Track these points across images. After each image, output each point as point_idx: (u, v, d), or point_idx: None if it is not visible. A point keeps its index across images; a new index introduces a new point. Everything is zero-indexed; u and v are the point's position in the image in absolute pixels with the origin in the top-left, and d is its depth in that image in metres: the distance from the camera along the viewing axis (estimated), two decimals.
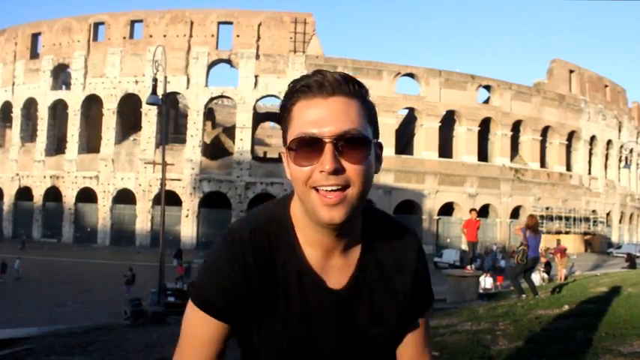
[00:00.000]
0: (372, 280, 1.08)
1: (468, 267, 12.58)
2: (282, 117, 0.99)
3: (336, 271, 1.05)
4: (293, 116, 0.96)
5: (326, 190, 0.92)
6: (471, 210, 13.26)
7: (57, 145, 41.28)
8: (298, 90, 0.96)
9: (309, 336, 1.04)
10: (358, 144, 0.93)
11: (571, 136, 47.25)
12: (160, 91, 16.08)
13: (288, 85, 0.99)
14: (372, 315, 1.07)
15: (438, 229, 40.62)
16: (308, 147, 0.92)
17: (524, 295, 9.30)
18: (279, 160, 24.71)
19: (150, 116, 38.07)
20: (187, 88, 38.41)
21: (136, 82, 38.68)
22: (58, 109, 41.33)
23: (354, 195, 0.94)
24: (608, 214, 49.35)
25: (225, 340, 1.03)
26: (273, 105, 49.47)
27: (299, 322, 1.03)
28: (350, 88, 0.96)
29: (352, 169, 0.92)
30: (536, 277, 17.38)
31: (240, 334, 1.06)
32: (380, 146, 1.01)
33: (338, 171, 0.91)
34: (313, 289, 1.03)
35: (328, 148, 0.91)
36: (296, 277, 1.03)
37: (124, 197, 38.38)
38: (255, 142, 41.16)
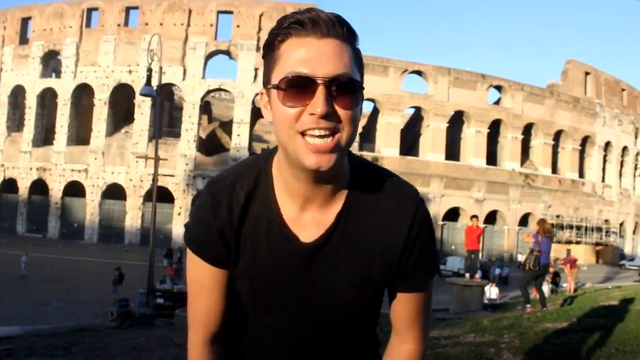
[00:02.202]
0: (350, 239, 1.05)
1: (467, 275, 12.65)
2: (267, 54, 0.98)
3: (314, 224, 1.05)
4: (281, 53, 0.94)
5: (314, 136, 0.92)
6: (472, 217, 13.29)
7: (45, 136, 41.27)
8: (289, 26, 0.94)
9: (270, 284, 1.07)
10: (351, 89, 0.93)
11: (585, 141, 47.26)
12: (154, 82, 16.05)
13: (277, 21, 0.97)
14: (347, 276, 1.05)
15: (442, 235, 40.62)
16: (298, 87, 0.91)
17: (528, 306, 9.31)
18: None
19: (143, 108, 38.06)
20: (183, 79, 38.41)
21: (130, 71, 38.67)
22: (47, 98, 41.33)
23: (343, 141, 0.94)
24: (621, 225, 49.35)
25: (225, 285, 1.11)
26: None
27: (262, 269, 1.06)
28: (343, 30, 0.95)
29: (343, 114, 0.93)
30: (545, 288, 17.41)
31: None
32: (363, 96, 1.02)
33: (329, 115, 0.91)
34: (278, 239, 1.05)
35: (321, 90, 0.90)
36: (266, 226, 1.05)
37: (114, 192, 38.37)
38: (253, 138, 41.16)
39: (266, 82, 0.98)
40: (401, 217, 1.05)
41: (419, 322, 1.14)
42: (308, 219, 1.05)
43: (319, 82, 0.90)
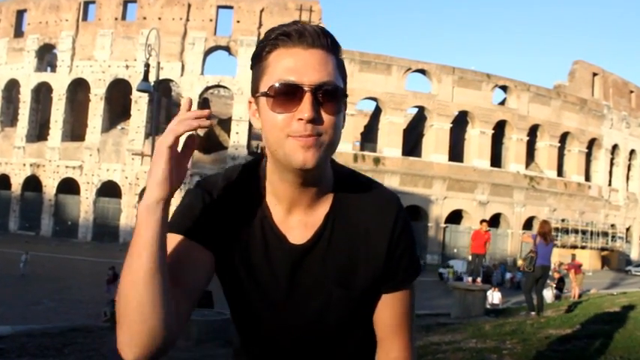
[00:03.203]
0: (338, 240, 1.12)
1: (469, 279, 12.71)
2: (255, 64, 1.06)
3: (301, 226, 1.12)
4: (269, 63, 1.02)
5: (301, 135, 0.99)
6: (482, 221, 13.33)
7: (39, 131, 41.27)
8: (276, 38, 1.02)
9: (265, 282, 1.12)
10: (335, 96, 1.01)
11: (591, 143, 47.27)
12: (152, 78, 16.06)
13: (265, 33, 1.05)
14: (336, 276, 1.12)
15: (444, 237, 40.64)
16: (286, 95, 0.99)
17: (533, 313, 9.32)
18: None
19: (140, 104, 38.08)
20: (182, 75, 38.43)
21: (127, 66, 38.67)
22: (42, 93, 41.32)
23: (326, 142, 1.01)
24: (628, 230, 49.35)
25: (210, 270, 1.10)
26: None
27: (255, 271, 1.11)
28: (328, 41, 1.03)
29: (327, 120, 1.00)
30: (549, 293, 17.43)
31: (219, 275, 1.15)
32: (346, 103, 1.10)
33: (315, 120, 0.99)
34: (273, 239, 1.11)
35: (307, 97, 0.98)
36: (260, 225, 1.12)
37: (109, 190, 38.38)
38: (251, 136, 41.15)
39: (254, 91, 1.06)
40: (384, 219, 1.14)
41: (404, 328, 1.19)
42: (295, 221, 1.12)
43: (306, 89, 0.98)
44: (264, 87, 1.02)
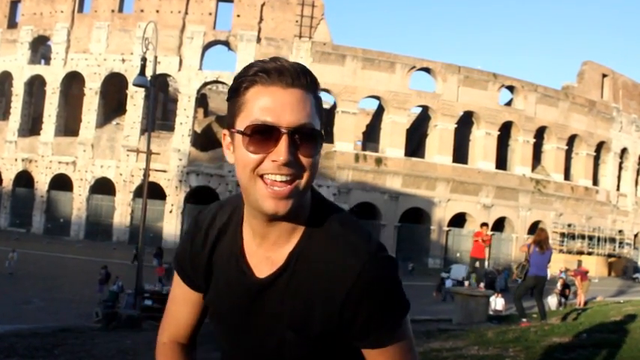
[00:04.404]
0: (298, 282, 1.10)
1: (467, 283, 12.78)
2: (232, 97, 1.07)
3: (266, 261, 1.14)
4: (247, 100, 1.04)
5: (274, 180, 1.01)
6: (483, 224, 13.36)
7: (32, 126, 41.27)
8: (255, 74, 1.04)
9: (225, 314, 1.20)
10: (313, 138, 1.03)
11: (600, 147, 47.29)
12: (148, 72, 16.06)
13: (243, 68, 1.07)
14: (289, 318, 1.11)
15: (447, 241, 40.65)
16: (263, 135, 1.01)
17: (524, 319, 9.36)
18: None
19: (136, 99, 38.07)
20: (179, 70, 38.42)
21: (123, 60, 38.67)
22: (36, 86, 41.32)
23: (302, 186, 1.03)
24: (636, 236, 49.35)
25: (197, 305, 1.29)
26: None
27: (221, 298, 1.20)
28: (307, 80, 1.05)
29: (305, 162, 1.02)
30: (554, 300, 17.43)
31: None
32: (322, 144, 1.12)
33: (291, 163, 1.00)
34: (234, 272, 1.16)
35: (284, 139, 0.99)
36: (228, 258, 1.18)
37: (103, 187, 38.37)
38: None
39: (230, 124, 1.07)
40: (342, 275, 1.06)
41: None
42: (262, 256, 1.14)
43: (283, 130, 1.00)
44: (240, 124, 1.03)
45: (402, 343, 1.13)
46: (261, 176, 1.02)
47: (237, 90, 1.06)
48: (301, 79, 1.03)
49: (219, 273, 1.20)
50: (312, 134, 1.02)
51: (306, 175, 1.03)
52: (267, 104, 1.01)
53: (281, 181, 1.00)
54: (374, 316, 1.07)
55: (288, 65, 1.03)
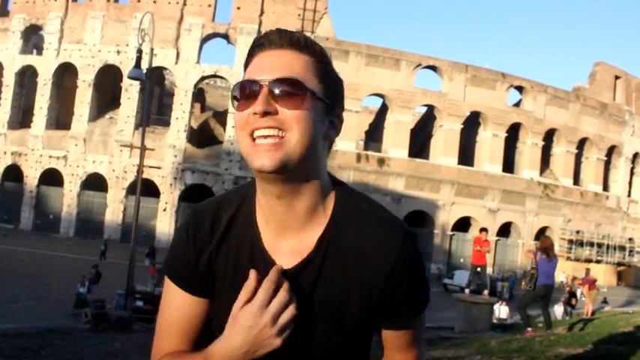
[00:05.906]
0: (329, 268, 1.09)
1: (467, 290, 12.88)
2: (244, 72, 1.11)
3: (290, 251, 1.11)
4: (247, 69, 1.09)
5: (259, 135, 1.02)
6: (482, 230, 13.49)
7: (22, 118, 41.32)
8: (255, 45, 1.09)
9: None
10: (294, 90, 1.03)
11: (611, 151, 47.32)
12: (144, 65, 16.06)
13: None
14: (322, 307, 1.10)
15: (450, 246, 40.67)
16: (246, 92, 1.04)
17: (529, 329, 9.36)
18: None
19: (131, 92, 38.10)
20: (176, 63, 38.46)
21: (118, 52, 38.71)
22: (27, 77, 41.37)
23: (292, 142, 1.02)
24: None
25: (198, 315, 1.18)
26: None
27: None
28: (303, 42, 1.07)
29: (288, 114, 1.02)
30: (559, 309, 17.45)
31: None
32: (338, 117, 1.13)
33: (269, 113, 1.01)
34: (261, 266, 1.10)
35: (262, 91, 1.02)
36: (249, 252, 1.14)
37: (94, 183, 38.40)
38: None
39: None
40: (385, 252, 1.08)
41: (410, 352, 1.20)
42: (284, 246, 1.11)
43: (262, 83, 1.02)
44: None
45: (420, 327, 1.20)
46: (252, 137, 1.03)
47: (246, 66, 1.10)
48: (300, 42, 1.06)
49: (230, 269, 1.14)
50: (292, 85, 1.02)
51: (295, 130, 1.02)
52: (255, 64, 1.06)
53: (265, 135, 1.02)
54: (412, 291, 1.12)
55: (288, 32, 1.07)
